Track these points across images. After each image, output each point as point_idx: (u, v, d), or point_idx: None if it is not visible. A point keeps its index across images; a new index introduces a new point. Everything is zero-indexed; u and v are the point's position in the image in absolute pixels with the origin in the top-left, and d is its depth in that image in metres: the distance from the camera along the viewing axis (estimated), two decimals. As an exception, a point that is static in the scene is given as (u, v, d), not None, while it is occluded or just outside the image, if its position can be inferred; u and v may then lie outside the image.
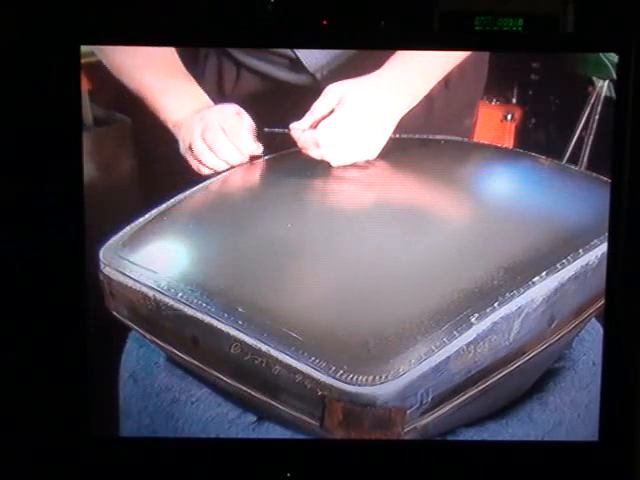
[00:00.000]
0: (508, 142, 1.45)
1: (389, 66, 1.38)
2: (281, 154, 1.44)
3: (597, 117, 1.39)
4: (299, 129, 1.39)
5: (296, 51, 1.43)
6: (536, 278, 1.26)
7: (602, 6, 1.41)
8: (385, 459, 1.39)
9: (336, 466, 1.41)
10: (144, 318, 1.33)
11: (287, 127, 1.39)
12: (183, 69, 1.41)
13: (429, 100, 1.41)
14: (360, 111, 1.38)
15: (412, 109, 1.40)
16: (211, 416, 1.36)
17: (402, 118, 1.40)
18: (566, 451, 1.40)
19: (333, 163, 1.41)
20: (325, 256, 1.33)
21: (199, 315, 1.26)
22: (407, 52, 1.38)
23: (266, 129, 1.40)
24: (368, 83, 1.38)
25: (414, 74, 1.39)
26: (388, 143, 1.41)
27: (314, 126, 1.38)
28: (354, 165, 1.41)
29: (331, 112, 1.38)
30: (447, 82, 1.42)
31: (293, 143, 1.40)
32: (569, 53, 1.40)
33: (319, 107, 1.38)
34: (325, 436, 1.28)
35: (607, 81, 1.38)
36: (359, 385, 1.18)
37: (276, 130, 1.40)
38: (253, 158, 1.42)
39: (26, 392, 1.45)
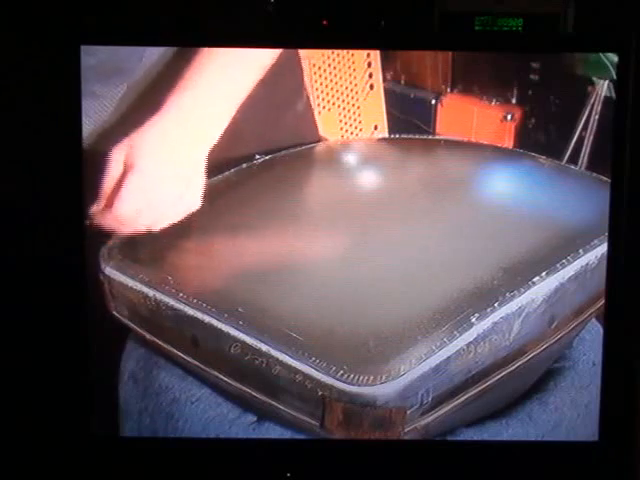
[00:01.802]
0: (508, 142, 1.44)
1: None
2: (278, 156, 1.44)
3: (597, 117, 1.38)
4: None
5: None
6: (536, 278, 1.27)
7: (602, 6, 1.41)
8: (385, 459, 1.39)
9: (336, 466, 1.40)
10: (144, 318, 1.33)
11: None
12: None
13: (253, 103, 1.37)
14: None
15: (251, 119, 1.35)
16: (211, 416, 1.36)
17: (244, 130, 1.35)
18: (566, 451, 1.40)
19: None
20: (325, 256, 1.33)
21: (199, 315, 1.26)
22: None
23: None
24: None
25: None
26: (388, 144, 1.41)
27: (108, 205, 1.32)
28: (353, 166, 1.41)
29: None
30: (264, 82, 1.38)
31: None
32: (569, 53, 1.40)
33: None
34: (325, 436, 1.28)
35: (607, 81, 1.38)
36: (359, 385, 1.18)
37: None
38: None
39: (26, 392, 1.45)
